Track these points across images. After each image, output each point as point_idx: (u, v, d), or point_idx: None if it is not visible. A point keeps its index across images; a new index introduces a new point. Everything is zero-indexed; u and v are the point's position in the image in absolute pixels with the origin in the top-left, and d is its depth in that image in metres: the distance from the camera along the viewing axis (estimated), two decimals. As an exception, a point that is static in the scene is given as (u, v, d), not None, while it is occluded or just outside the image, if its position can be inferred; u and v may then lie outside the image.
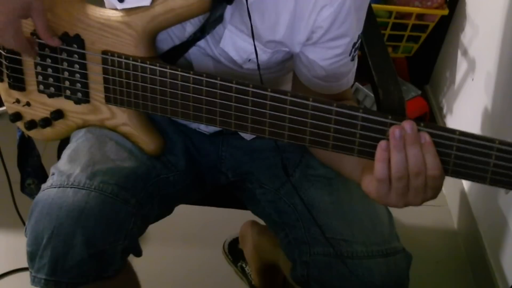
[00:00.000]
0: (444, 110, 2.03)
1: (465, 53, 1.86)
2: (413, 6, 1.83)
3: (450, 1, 1.91)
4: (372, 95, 1.43)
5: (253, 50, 0.82)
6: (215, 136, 1.03)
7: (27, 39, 0.84)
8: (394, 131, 0.68)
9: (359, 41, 0.88)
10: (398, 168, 0.69)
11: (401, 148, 0.68)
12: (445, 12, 1.86)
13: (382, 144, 0.69)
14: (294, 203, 0.95)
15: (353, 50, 0.87)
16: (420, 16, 1.88)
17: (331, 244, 0.86)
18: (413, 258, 0.90)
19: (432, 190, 0.71)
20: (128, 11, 0.81)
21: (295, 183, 0.96)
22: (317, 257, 0.89)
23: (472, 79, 1.79)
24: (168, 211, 1.00)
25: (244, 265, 1.52)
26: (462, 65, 1.88)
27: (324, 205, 0.91)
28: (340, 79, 0.90)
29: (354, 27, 0.84)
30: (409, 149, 0.68)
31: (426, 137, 0.68)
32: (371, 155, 0.72)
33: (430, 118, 2.03)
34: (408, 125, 0.68)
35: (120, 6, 0.81)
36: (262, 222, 1.09)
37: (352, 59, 0.89)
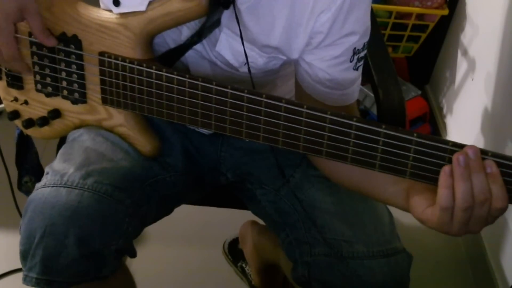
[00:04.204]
0: (444, 110, 2.03)
1: (465, 53, 1.86)
2: (413, 6, 1.83)
3: (450, 1, 1.90)
4: (372, 95, 1.42)
5: (250, 53, 0.82)
6: (215, 136, 1.02)
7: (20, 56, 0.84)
8: (458, 158, 0.65)
9: (364, 52, 0.86)
10: (465, 198, 0.66)
11: (467, 176, 0.65)
12: (445, 12, 1.86)
13: (446, 169, 0.66)
14: (295, 204, 0.95)
15: (355, 57, 0.85)
16: (420, 16, 1.88)
17: (330, 245, 0.86)
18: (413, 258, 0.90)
19: (494, 218, 0.69)
20: (126, 13, 0.81)
21: (295, 184, 0.96)
22: (318, 258, 0.89)
23: (472, 79, 1.78)
24: (167, 211, 1.00)
25: (244, 265, 1.52)
26: (462, 65, 1.88)
27: (325, 205, 0.91)
28: (344, 87, 0.87)
29: (355, 29, 0.83)
30: (475, 177, 0.65)
31: (493, 167, 0.65)
32: (364, 164, 0.73)
33: (430, 118, 2.03)
34: (471, 151, 0.65)
35: (115, 10, 0.81)
36: (262, 222, 1.08)
37: (356, 69, 0.87)
